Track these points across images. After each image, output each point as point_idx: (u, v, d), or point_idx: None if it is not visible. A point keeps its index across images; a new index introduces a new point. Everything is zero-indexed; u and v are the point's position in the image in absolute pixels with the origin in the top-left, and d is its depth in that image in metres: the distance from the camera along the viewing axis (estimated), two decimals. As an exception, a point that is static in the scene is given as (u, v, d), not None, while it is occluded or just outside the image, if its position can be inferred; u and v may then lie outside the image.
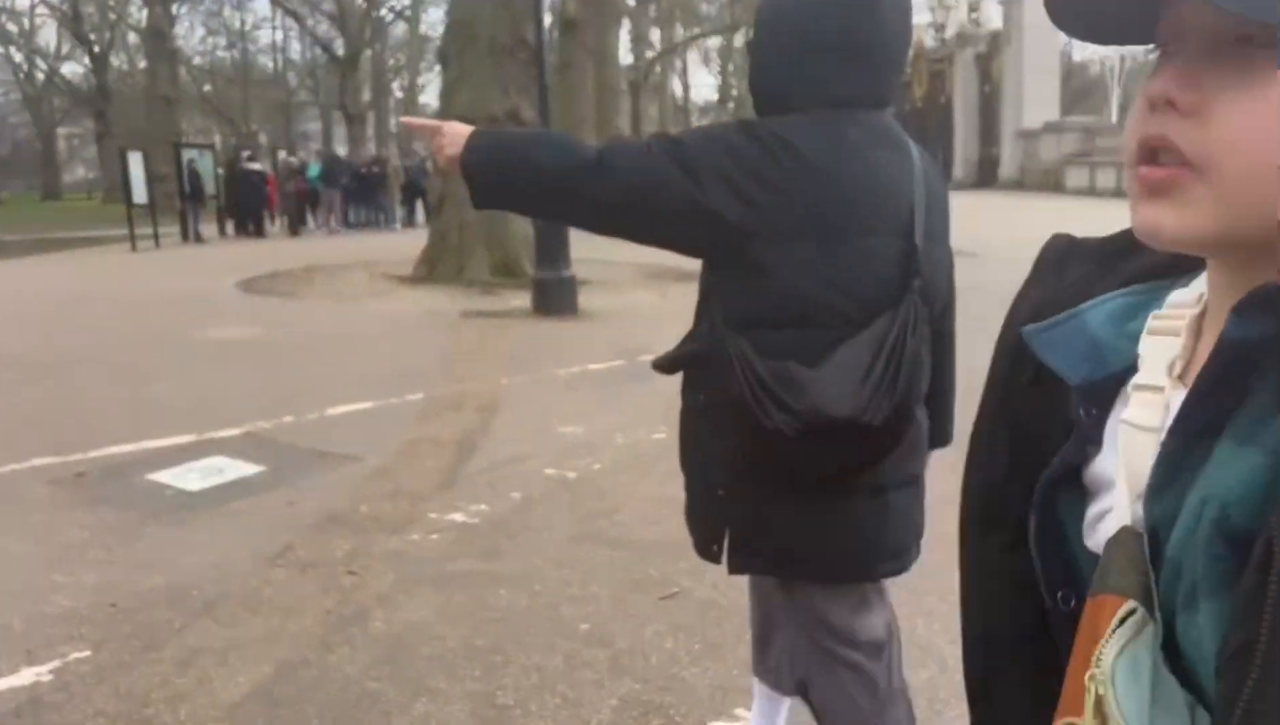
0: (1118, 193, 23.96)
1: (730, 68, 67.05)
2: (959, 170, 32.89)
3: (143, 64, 48.32)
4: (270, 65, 57.92)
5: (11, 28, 49.62)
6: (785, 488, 1.50)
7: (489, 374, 6.52)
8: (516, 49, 11.03)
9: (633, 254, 13.53)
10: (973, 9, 36.16)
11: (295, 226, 19.76)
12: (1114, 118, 36.84)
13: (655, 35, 50.45)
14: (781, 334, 1.46)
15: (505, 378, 6.36)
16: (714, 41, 61.09)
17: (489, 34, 10.85)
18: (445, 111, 11.24)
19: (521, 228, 11.20)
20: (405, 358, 7.08)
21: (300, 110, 57.95)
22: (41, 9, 48.94)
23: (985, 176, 31.39)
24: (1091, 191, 25.45)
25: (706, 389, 1.57)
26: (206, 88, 50.40)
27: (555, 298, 8.59)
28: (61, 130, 58.99)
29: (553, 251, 8.52)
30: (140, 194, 17.42)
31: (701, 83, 75.66)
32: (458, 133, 1.61)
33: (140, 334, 8.12)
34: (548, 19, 12.57)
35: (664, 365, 1.65)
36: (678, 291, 10.72)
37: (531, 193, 1.58)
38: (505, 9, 10.88)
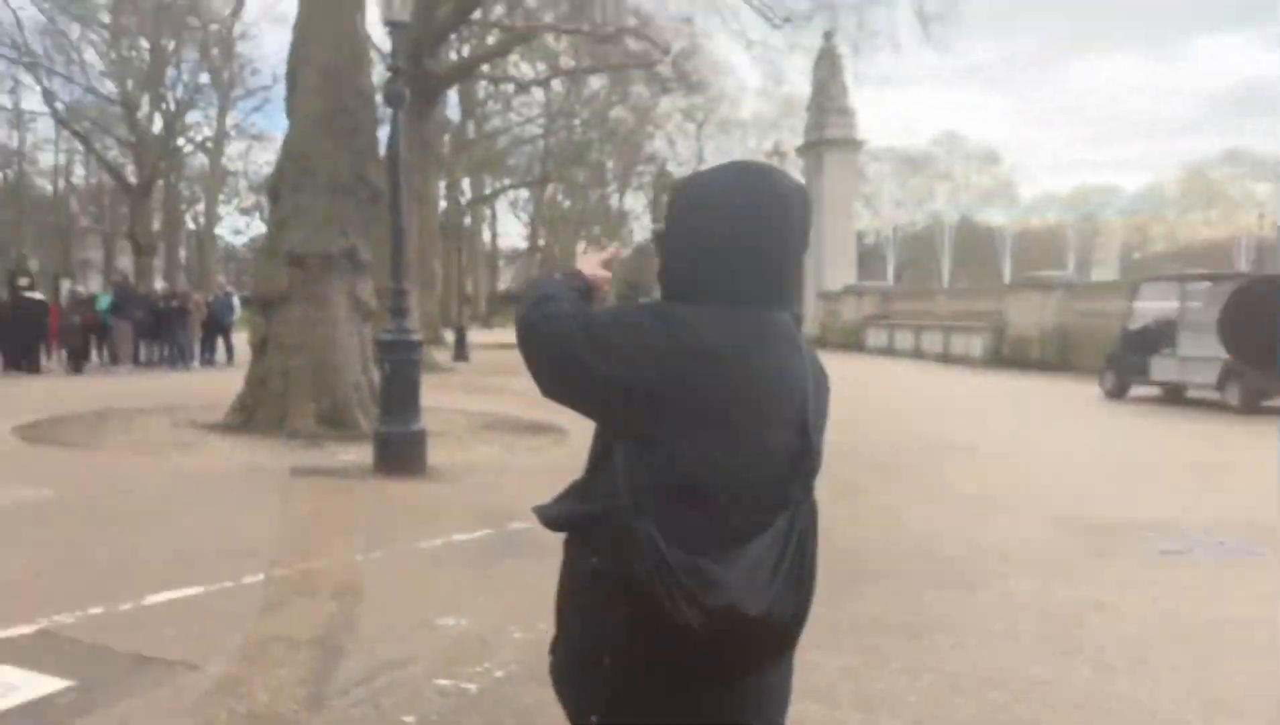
0: (915, 352, 25.73)
1: (538, 217, 69.08)
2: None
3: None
4: (49, 188, 54.27)
5: None
6: (677, 671, 1.47)
7: (338, 548, 5.67)
8: (356, 186, 10.49)
9: (461, 401, 12.82)
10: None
11: (78, 363, 17.77)
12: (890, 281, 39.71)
13: (466, 183, 51.21)
14: (683, 518, 1.45)
15: (359, 553, 5.53)
16: (524, 192, 62.84)
17: (327, 169, 10.26)
18: (274, 246, 10.43)
19: (351, 374, 10.41)
20: (234, 527, 6.08)
21: (81, 237, 54.13)
22: None
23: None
24: (890, 351, 27.14)
25: (601, 554, 1.52)
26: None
27: (401, 454, 7.81)
28: None
29: (401, 401, 7.80)
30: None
31: (510, 231, 77.10)
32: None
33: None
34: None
35: (552, 522, 1.59)
36: (523, 446, 10.16)
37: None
38: (345, 146, 10.38)
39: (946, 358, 23.94)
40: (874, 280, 36.85)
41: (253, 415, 10.09)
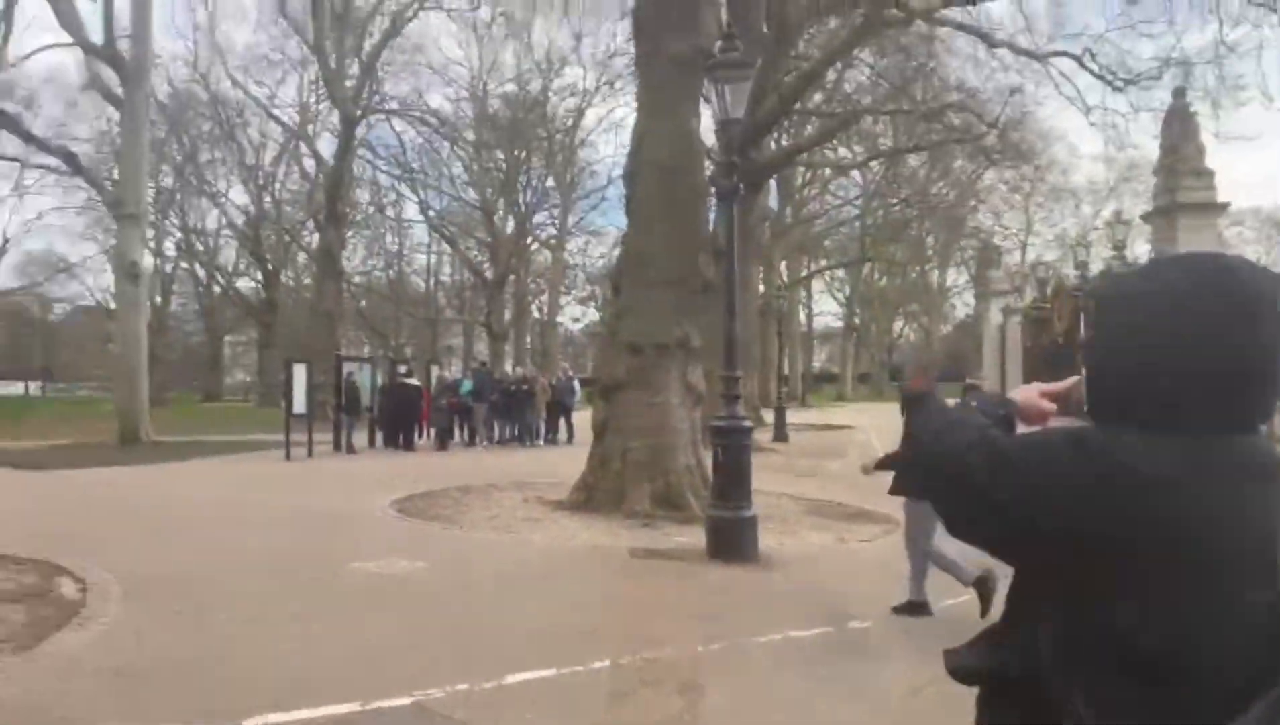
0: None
1: (855, 296, 68.20)
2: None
3: (307, 280, 52.35)
4: (421, 285, 61.89)
5: (199, 246, 54.72)
6: None
7: (678, 636, 5.69)
8: (689, 278, 10.90)
9: (785, 483, 12.65)
10: (1116, 247, 35.69)
11: (444, 441, 19.83)
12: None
13: (783, 266, 51.76)
14: (1122, 695, 1.21)
15: (699, 644, 5.52)
16: (839, 271, 62.43)
17: (662, 263, 10.76)
18: (615, 336, 11.05)
19: (684, 457, 10.67)
20: (580, 607, 6.34)
21: (446, 326, 61.07)
22: (227, 231, 54.08)
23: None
24: None
25: (1020, 716, 1.32)
26: (362, 303, 53.70)
27: (733, 539, 7.81)
28: (228, 338, 63.57)
29: (733, 486, 7.83)
30: (300, 404, 17.88)
31: (825, 309, 76.70)
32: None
33: (294, 562, 7.67)
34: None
35: (963, 674, 1.40)
36: (854, 535, 9.82)
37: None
38: (679, 241, 10.84)
39: None
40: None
41: (593, 494, 10.62)
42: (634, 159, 11.29)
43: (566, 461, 15.79)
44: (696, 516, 9.40)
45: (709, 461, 9.04)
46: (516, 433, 21.08)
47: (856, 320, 70.42)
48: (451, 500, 11.38)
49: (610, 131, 63.34)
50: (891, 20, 21.33)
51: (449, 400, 20.37)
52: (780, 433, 23.01)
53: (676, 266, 10.77)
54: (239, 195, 51.92)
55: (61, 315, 70.54)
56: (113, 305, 55.47)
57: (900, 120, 30.02)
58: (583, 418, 22.25)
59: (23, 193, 51.19)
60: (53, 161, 33.81)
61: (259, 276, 52.53)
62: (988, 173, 46.94)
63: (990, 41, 21.32)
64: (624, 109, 46.35)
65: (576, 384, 23.02)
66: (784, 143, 28.29)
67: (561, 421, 21.59)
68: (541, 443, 20.82)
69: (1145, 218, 31.00)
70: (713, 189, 11.50)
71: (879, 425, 31.22)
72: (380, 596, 6.50)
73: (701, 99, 11.08)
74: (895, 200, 47.35)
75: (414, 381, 21.59)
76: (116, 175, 30.68)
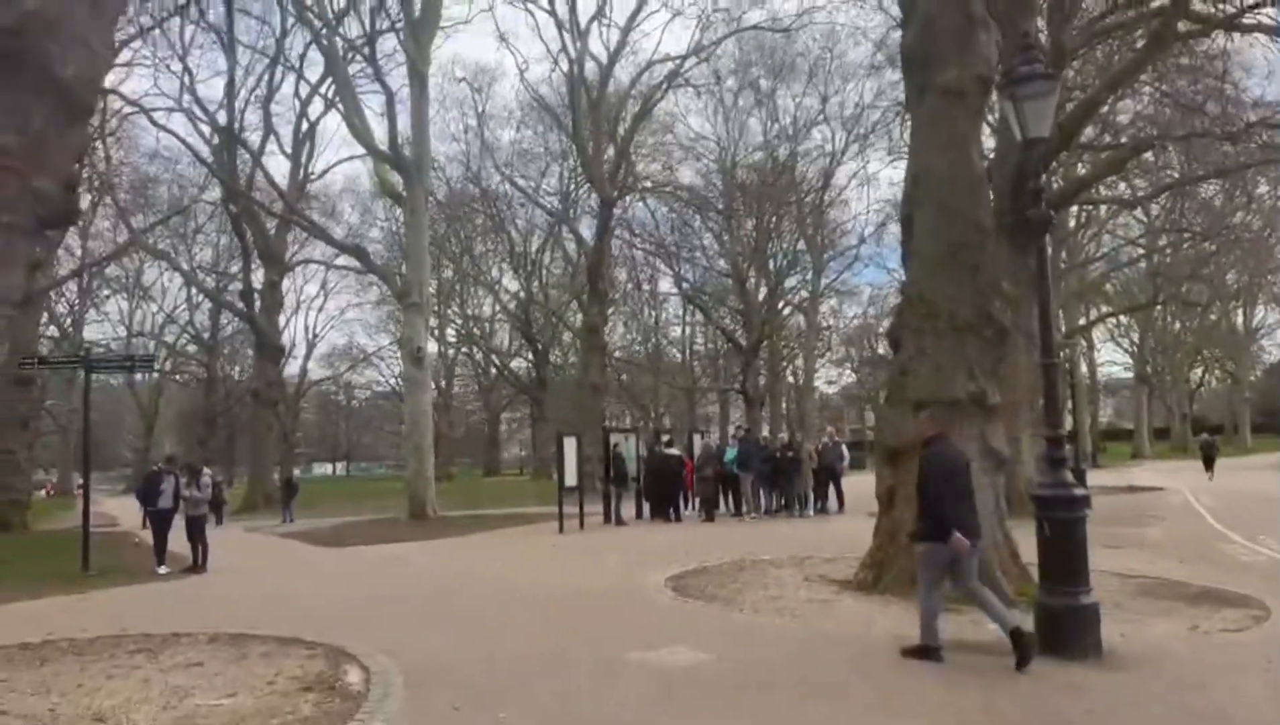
0: None
1: (1149, 344, 61.65)
2: None
3: (572, 358, 54.59)
4: (677, 355, 62.83)
5: (476, 331, 58.67)
6: None
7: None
8: (981, 325, 9.73)
9: (1106, 558, 10.89)
10: None
11: (710, 511, 19.31)
12: None
13: (1060, 314, 47.68)
14: None
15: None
16: (1123, 317, 56.69)
17: (949, 310, 9.67)
18: (899, 393, 10.03)
19: (990, 530, 9.38)
20: (903, 715, 5.39)
21: (702, 395, 61.44)
22: (500, 316, 57.66)
23: None
24: None
25: None
26: (623, 377, 55.15)
27: (1069, 632, 6.54)
28: (505, 415, 67.43)
29: (1066, 567, 6.59)
30: (571, 477, 18.06)
31: (1112, 359, 70.03)
32: None
33: (572, 649, 7.23)
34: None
35: None
36: (1211, 623, 8.11)
37: None
38: (967, 285, 9.73)
39: None
40: None
41: (883, 573, 9.57)
42: (910, 200, 10.36)
43: (843, 533, 14.73)
44: (1008, 599, 8.13)
45: (1027, 536, 7.78)
46: (784, 502, 20.19)
47: (1149, 369, 63.73)
48: (727, 578, 10.69)
49: (861, 187, 61.84)
50: (1184, 35, 19.07)
51: (714, 469, 19.87)
52: (1079, 497, 20.58)
53: (966, 313, 9.65)
54: (510, 282, 55.40)
55: (362, 400, 77.96)
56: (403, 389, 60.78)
57: (1191, 146, 26.84)
58: (851, 484, 21.05)
59: (328, 292, 57.54)
60: (351, 262, 37.45)
61: (530, 356, 55.45)
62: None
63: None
64: (876, 163, 45.36)
65: (845, 449, 21.85)
66: (1056, 183, 26.00)
67: (830, 489, 20.46)
68: (811, 512, 19.77)
69: None
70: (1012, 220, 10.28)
71: (1196, 485, 27.42)
72: (664, 696, 5.86)
73: (983, 129, 10.03)
74: (1188, 234, 42.60)
75: (675, 451, 21.34)
76: (404, 270, 33.38)
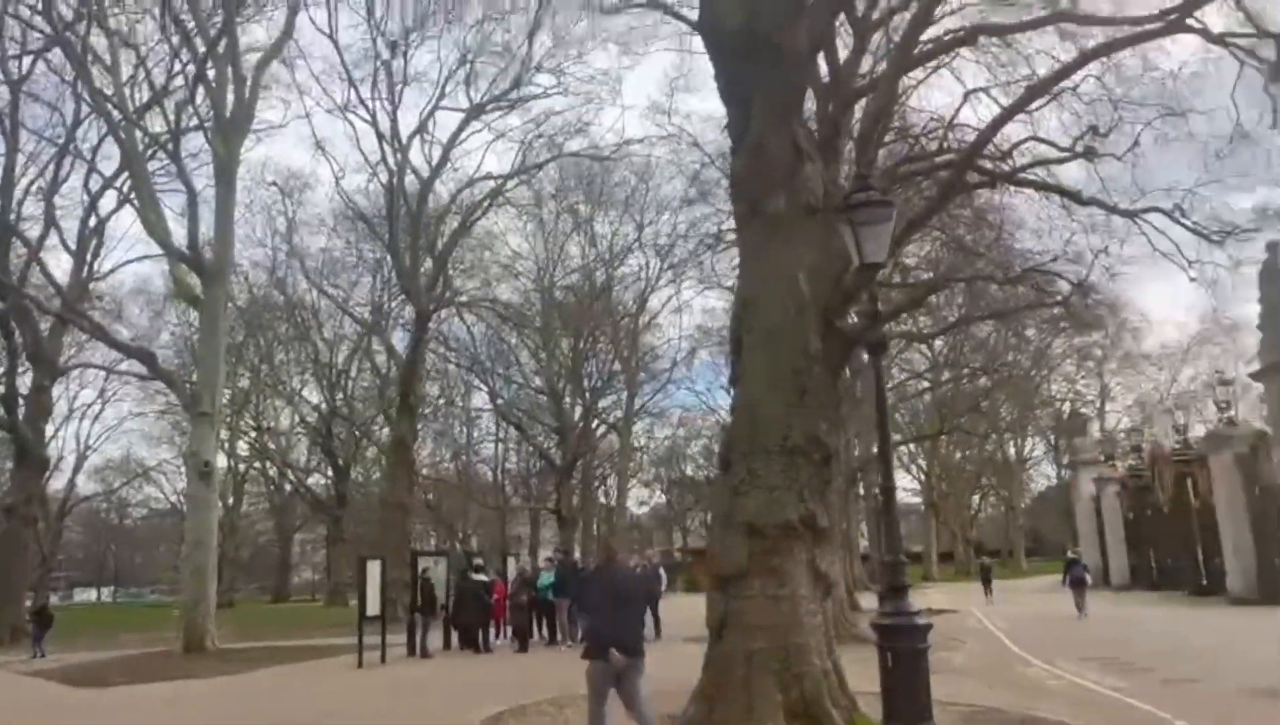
0: None
1: (935, 471, 65.76)
2: (1236, 582, 28.70)
3: (376, 475, 52.16)
4: (489, 474, 61.44)
5: (271, 445, 55.25)
6: None
7: None
8: (810, 448, 9.73)
9: (936, 689, 10.94)
10: (1221, 407, 33.85)
11: (524, 641, 18.33)
12: None
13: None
14: None
15: None
16: (910, 446, 60.35)
17: (780, 432, 9.63)
18: (730, 516, 9.79)
19: (820, 659, 9.15)
20: None
21: (513, 514, 60.14)
22: (299, 429, 54.67)
23: (1273, 590, 27.05)
24: None
25: None
26: (429, 496, 53.25)
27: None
28: (298, 536, 63.14)
29: (909, 699, 6.42)
30: (373, 604, 16.73)
31: (899, 485, 74.29)
32: None
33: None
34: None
35: None
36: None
37: None
38: (796, 407, 9.76)
39: None
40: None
41: (715, 706, 9.07)
42: (739, 322, 10.42)
43: (666, 663, 14.15)
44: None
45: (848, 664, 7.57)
46: (600, 629, 19.47)
47: (935, 496, 67.73)
48: (548, 718, 9.93)
49: (675, 313, 63.83)
50: (970, 186, 20.88)
51: (528, 595, 18.98)
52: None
53: (796, 436, 9.63)
54: (312, 393, 52.80)
55: (136, 519, 71.18)
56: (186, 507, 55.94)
57: (972, 289, 29.28)
58: (666, 609, 20.62)
59: (107, 400, 52.81)
60: (135, 368, 34.53)
61: (330, 473, 52.55)
62: (1056, 340, 45.82)
63: (1080, 200, 20.62)
64: (689, 291, 46.96)
65: (662, 571, 21.51)
66: (853, 319, 27.38)
67: (648, 615, 19.93)
68: (631, 641, 19.13)
69: (1255, 376, 29.34)
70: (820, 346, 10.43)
71: (986, 608, 28.77)
72: None
73: (809, 253, 10.30)
74: (967, 370, 46.19)
75: (485, 577, 20.30)
76: (194, 378, 31.07)
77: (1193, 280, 20.77)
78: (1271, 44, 15.87)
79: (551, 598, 19.11)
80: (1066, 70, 19.49)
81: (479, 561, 21.51)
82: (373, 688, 13.74)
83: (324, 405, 51.39)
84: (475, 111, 33.77)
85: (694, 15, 20.44)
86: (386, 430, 44.40)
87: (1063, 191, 21.05)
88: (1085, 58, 19.36)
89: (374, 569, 17.29)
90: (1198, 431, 37.32)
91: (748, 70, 10.55)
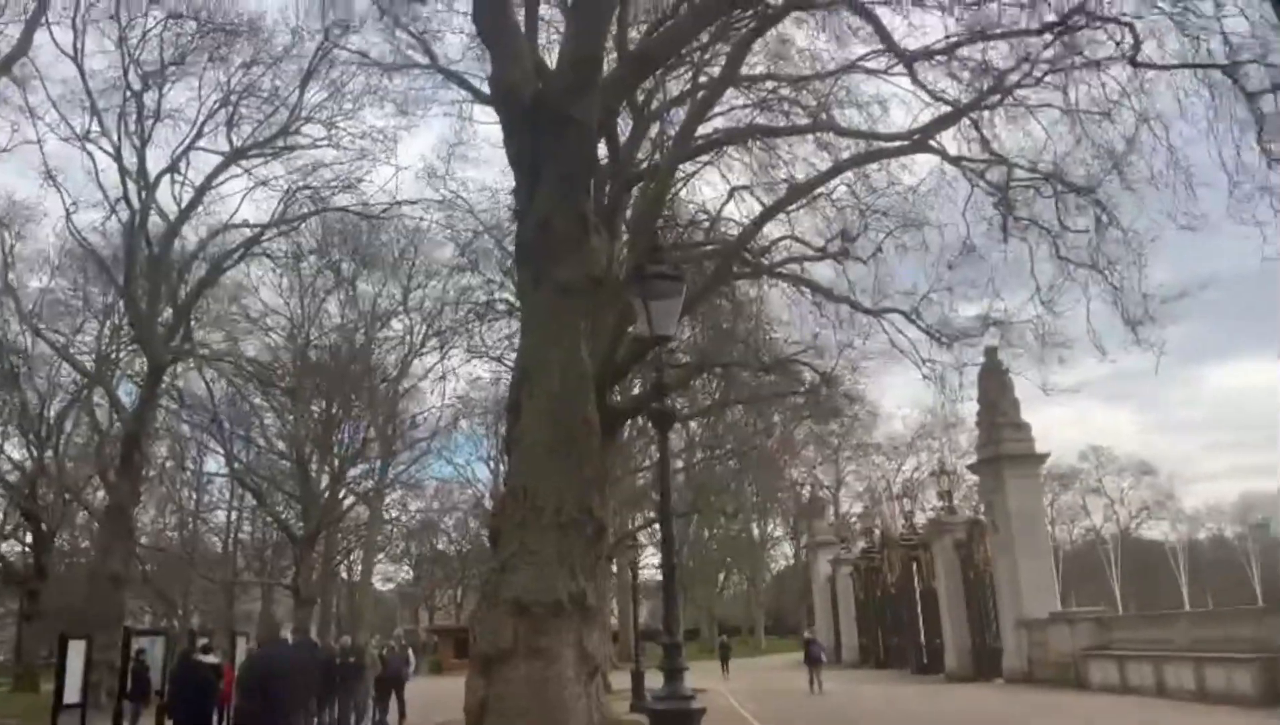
0: (1159, 690, 22.08)
1: (685, 550, 67.56)
2: (952, 660, 31.22)
3: (85, 543, 46.49)
4: (218, 545, 56.60)
5: (-45, 506, 48.10)
6: None
7: None
8: (583, 521, 9.53)
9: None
10: (943, 496, 36.97)
11: (252, 730, 16.58)
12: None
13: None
14: None
15: None
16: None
17: (554, 505, 9.37)
18: (496, 593, 9.34)
19: (583, 744, 8.82)
20: None
21: (243, 590, 55.59)
22: (-5, 488, 47.99)
23: (984, 668, 29.61)
24: (1123, 688, 23.47)
25: None
26: (148, 567, 48.16)
27: None
28: (-19, 610, 54.89)
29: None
30: (74, 693, 14.59)
31: (650, 562, 75.82)
32: None
33: None
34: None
35: None
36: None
37: None
38: (573, 479, 9.56)
39: (1203, 694, 20.36)
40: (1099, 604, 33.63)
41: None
42: (518, 389, 10.15)
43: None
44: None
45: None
46: (338, 715, 18.03)
47: (683, 574, 69.51)
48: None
49: (439, 381, 62.19)
50: (736, 275, 21.99)
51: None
52: (640, 700, 20.87)
53: (570, 508, 9.40)
54: (14, 449, 46.55)
55: None
56: None
57: (728, 373, 30.67)
58: (416, 693, 19.55)
59: None
60: None
61: (28, 539, 46.25)
62: (798, 427, 48.85)
63: (831, 296, 22.18)
64: (454, 358, 46.01)
65: (411, 654, 20.35)
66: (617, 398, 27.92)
67: (392, 699, 18.76)
68: (371, 726, 17.86)
69: (972, 468, 32.36)
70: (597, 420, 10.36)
71: (733, 687, 29.48)
72: None
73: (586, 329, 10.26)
74: (719, 451, 48.10)
75: (212, 658, 18.29)
76: None
77: (925, 377, 22.69)
78: (1002, 168, 17.90)
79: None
80: (823, 177, 21.19)
81: (205, 641, 19.41)
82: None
83: (28, 463, 45.44)
84: (235, 155, 31.75)
85: (478, 83, 20.57)
86: (102, 493, 39.81)
87: (816, 287, 22.61)
88: (839, 167, 21.16)
89: (77, 649, 15.16)
90: (921, 519, 40.67)
91: (537, 138, 10.53)
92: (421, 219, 36.44)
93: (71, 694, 14.76)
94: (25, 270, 40.92)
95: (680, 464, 50.73)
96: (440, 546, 66.27)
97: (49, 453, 44.99)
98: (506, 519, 9.69)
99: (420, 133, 79.21)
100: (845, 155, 21.11)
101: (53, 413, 45.23)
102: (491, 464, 61.29)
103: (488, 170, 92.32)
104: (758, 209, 22.58)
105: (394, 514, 55.43)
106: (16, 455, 46.23)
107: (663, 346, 7.15)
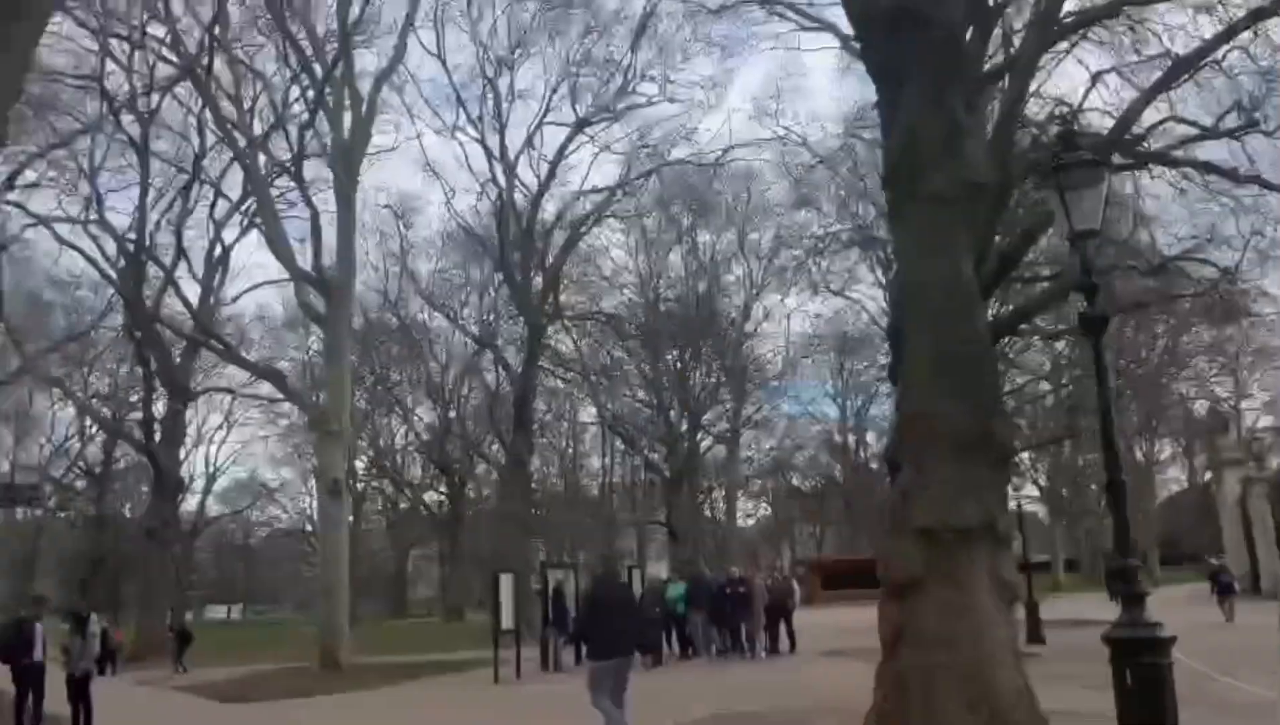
0: None
1: (1057, 477, 62.90)
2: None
3: (487, 492, 52.54)
4: (595, 489, 61.36)
5: (387, 463, 56.35)
6: None
7: None
8: (984, 446, 8.97)
9: (1093, 701, 10.00)
10: None
11: (658, 656, 17.85)
12: None
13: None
14: None
15: None
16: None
17: (951, 428, 8.88)
18: (900, 521, 9.10)
19: (1009, 677, 8.38)
20: None
21: (619, 530, 59.91)
22: (413, 446, 55.62)
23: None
24: None
25: None
26: (539, 511, 53.46)
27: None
28: (414, 552, 64.12)
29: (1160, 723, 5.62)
30: (507, 619, 16.52)
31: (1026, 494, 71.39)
32: None
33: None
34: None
35: None
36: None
37: None
38: (967, 400, 9.01)
39: None
40: None
41: (892, 726, 8.41)
42: (900, 310, 9.76)
43: (813, 679, 13.56)
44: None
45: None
46: (729, 643, 18.84)
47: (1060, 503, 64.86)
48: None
49: (783, 320, 62.41)
50: (1118, 167, 19.60)
51: (659, 609, 18.50)
52: (1035, 632, 19.72)
53: (968, 432, 8.89)
54: (425, 413, 53.65)
55: (260, 538, 73.58)
56: (308, 527, 57.40)
57: (1109, 282, 27.58)
58: (803, 624, 19.92)
59: (232, 423, 54.78)
60: (260, 390, 35.51)
61: (444, 489, 53.23)
62: (1183, 337, 43.08)
63: (1236, 177, 19.12)
64: (793, 298, 46.13)
65: (795, 584, 20.78)
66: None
67: (782, 628, 19.25)
68: (763, 654, 18.46)
69: None
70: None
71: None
72: None
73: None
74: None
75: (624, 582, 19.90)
76: (318, 398, 31.75)
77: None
78: None
79: (682, 610, 18.58)
80: (1214, 42, 18.17)
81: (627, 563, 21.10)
82: (519, 705, 13.50)
83: (437, 423, 52.17)
84: (580, 125, 33.77)
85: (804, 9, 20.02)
86: (497, 447, 44.70)
87: (1214, 169, 19.57)
88: (1234, 29, 18.03)
89: (507, 583, 17.10)
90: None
91: (898, 45, 9.94)
92: (754, 161, 36.75)
93: (506, 621, 16.71)
94: (416, 255, 46.67)
95: (1047, 386, 47.21)
96: (795, 482, 67.09)
97: (452, 414, 51.33)
98: (903, 446, 9.39)
99: (745, 73, 79.27)
100: (1240, 12, 17.97)
101: (450, 379, 51.47)
102: (838, 400, 60.94)
103: (816, 100, 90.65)
104: (1126, 96, 19.97)
105: (748, 453, 56.86)
106: (427, 418, 53.28)
107: (1086, 241, 6.45)
